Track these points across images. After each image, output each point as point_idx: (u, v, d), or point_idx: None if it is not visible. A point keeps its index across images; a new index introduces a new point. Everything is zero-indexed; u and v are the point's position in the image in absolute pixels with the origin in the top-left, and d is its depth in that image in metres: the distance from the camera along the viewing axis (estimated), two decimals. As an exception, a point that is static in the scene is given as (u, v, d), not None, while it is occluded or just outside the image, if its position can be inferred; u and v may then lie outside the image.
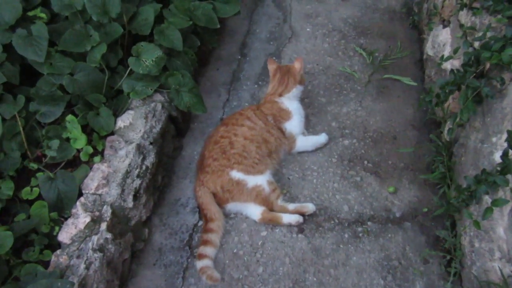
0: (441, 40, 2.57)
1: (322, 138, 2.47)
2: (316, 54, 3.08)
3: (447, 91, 2.14)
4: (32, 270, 1.62)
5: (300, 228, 2.13)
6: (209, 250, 1.98)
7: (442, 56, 2.23)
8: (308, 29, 3.29)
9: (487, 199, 1.72)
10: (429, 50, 2.75)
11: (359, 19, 3.39)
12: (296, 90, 2.47)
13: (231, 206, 2.16)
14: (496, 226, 1.68)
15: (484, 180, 1.68)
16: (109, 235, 1.79)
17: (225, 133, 2.26)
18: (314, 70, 2.96)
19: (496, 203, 1.52)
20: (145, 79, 2.21)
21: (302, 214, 2.15)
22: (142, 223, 2.04)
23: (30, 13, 2.15)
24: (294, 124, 2.42)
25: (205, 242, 1.99)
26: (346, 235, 2.12)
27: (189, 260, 2.03)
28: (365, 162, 2.42)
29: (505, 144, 1.64)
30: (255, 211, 2.13)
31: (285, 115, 2.41)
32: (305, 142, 2.44)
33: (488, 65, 1.88)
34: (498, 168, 1.62)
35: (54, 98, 2.00)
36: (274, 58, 3.05)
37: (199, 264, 1.94)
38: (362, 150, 2.48)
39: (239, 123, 2.29)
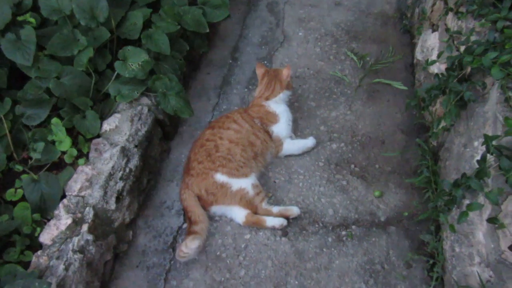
0: (430, 45, 2.58)
1: (309, 142, 2.48)
2: (308, 58, 3.09)
3: (432, 95, 2.15)
4: (11, 271, 1.63)
5: (284, 231, 2.14)
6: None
7: (427, 60, 2.23)
8: (300, 34, 3.31)
9: (467, 203, 1.71)
10: (418, 54, 2.76)
11: (352, 24, 3.40)
12: (283, 95, 2.49)
13: (216, 209, 2.17)
14: (475, 230, 1.67)
15: (463, 184, 1.67)
16: (90, 237, 1.80)
17: (211, 136, 2.27)
18: (304, 74, 2.97)
19: (470, 207, 1.52)
20: (131, 83, 2.24)
21: (286, 218, 2.16)
22: (126, 225, 2.06)
23: (20, 18, 2.18)
24: (281, 127, 2.43)
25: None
26: (330, 239, 2.12)
27: (172, 262, 2.04)
28: (352, 166, 2.43)
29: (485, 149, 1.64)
30: (239, 214, 2.14)
31: (272, 118, 2.43)
32: (292, 145, 2.44)
33: (469, 69, 1.88)
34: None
35: (40, 101, 2.03)
36: (265, 62, 3.07)
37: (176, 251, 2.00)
38: (350, 154, 2.48)
39: (226, 126, 2.31)
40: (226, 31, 3.36)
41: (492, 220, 1.43)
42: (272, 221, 2.12)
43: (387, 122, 2.65)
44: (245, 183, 2.15)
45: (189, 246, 1.93)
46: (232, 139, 2.24)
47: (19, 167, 1.97)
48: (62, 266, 1.67)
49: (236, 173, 2.15)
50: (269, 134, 2.41)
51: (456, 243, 1.80)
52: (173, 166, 2.44)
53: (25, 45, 2.07)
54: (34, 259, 1.71)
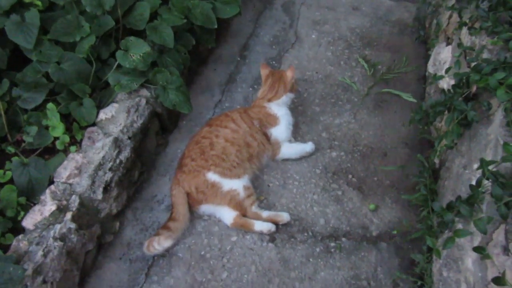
0: (442, 58, 2.49)
1: (308, 146, 2.43)
2: (317, 62, 3.03)
3: (436, 111, 2.07)
4: (-11, 253, 1.63)
5: (271, 237, 2.10)
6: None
7: (435, 75, 2.15)
8: (313, 36, 3.25)
9: (457, 228, 1.65)
10: (430, 67, 2.67)
11: (368, 30, 3.33)
12: (286, 98, 2.44)
13: (205, 208, 2.15)
14: (465, 256, 1.61)
15: (456, 208, 1.61)
16: (73, 225, 1.79)
17: (207, 133, 2.24)
18: (312, 78, 2.91)
19: (458, 234, 1.45)
20: (132, 74, 2.22)
21: (275, 223, 2.12)
22: (112, 216, 2.04)
23: (27, 0, 2.18)
24: (280, 130, 2.38)
25: (158, 235, 1.99)
26: (318, 249, 2.07)
27: (155, 257, 2.01)
28: (350, 176, 2.37)
29: (481, 173, 1.57)
30: (228, 215, 2.11)
31: (272, 120, 2.38)
32: (290, 149, 2.40)
33: (475, 88, 1.80)
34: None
35: (37, 85, 2.03)
36: (274, 63, 3.02)
37: (145, 243, 1.97)
38: (349, 164, 2.43)
39: (223, 124, 2.28)
40: (239, 28, 3.31)
41: (478, 249, 1.37)
42: (261, 226, 2.09)
43: (391, 134, 2.58)
44: (237, 184, 2.12)
45: (161, 244, 1.92)
46: (228, 138, 2.21)
47: (10, 149, 1.97)
48: (40, 253, 1.66)
49: (229, 173, 2.12)
50: (267, 136, 2.36)
51: (445, 267, 1.73)
52: (168, 160, 2.42)
53: (28, 27, 2.07)
54: (14, 242, 1.70)
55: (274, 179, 2.34)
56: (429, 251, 1.98)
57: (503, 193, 1.33)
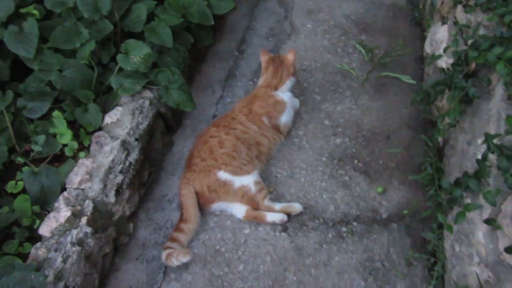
0: (439, 38, 2.51)
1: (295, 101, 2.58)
2: (315, 51, 3.05)
3: (437, 90, 2.09)
4: (10, 262, 1.66)
5: (284, 227, 2.13)
6: (175, 245, 1.99)
7: (433, 54, 2.17)
8: (308, 25, 3.26)
9: (466, 203, 1.67)
10: (427, 47, 2.69)
11: (362, 16, 3.34)
12: (290, 83, 2.45)
13: (217, 206, 2.17)
14: (475, 230, 1.63)
15: (464, 183, 1.64)
16: (89, 229, 1.82)
17: (215, 133, 2.24)
18: (311, 67, 2.93)
19: (468, 207, 1.48)
20: (133, 76, 2.24)
21: (288, 214, 2.15)
22: (126, 218, 2.07)
23: (23, 10, 2.20)
24: (289, 115, 2.45)
25: (173, 239, 2.01)
26: (330, 235, 2.10)
27: (172, 255, 2.05)
28: (356, 161, 2.39)
29: (486, 147, 1.59)
30: (239, 209, 2.14)
31: (281, 107, 2.40)
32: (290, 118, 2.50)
33: (474, 65, 1.82)
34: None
35: (42, 94, 2.05)
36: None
37: (164, 253, 1.95)
38: (354, 149, 2.45)
39: (232, 126, 2.28)
40: (234, 23, 3.33)
41: (489, 221, 1.40)
42: (273, 216, 2.11)
43: (393, 117, 2.61)
44: (247, 180, 2.14)
45: (179, 260, 1.92)
46: (239, 136, 2.23)
47: (20, 159, 1.99)
48: (60, 259, 1.69)
49: (239, 171, 2.14)
50: (278, 127, 2.39)
51: (456, 242, 1.76)
52: (175, 159, 2.45)
53: (27, 37, 2.09)
54: (33, 251, 1.73)
55: (282, 169, 2.37)
56: (439, 228, 2.01)
57: (510, 164, 1.36)
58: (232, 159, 2.15)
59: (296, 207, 2.16)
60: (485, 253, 1.56)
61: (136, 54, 2.21)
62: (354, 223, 2.14)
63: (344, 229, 2.12)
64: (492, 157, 1.54)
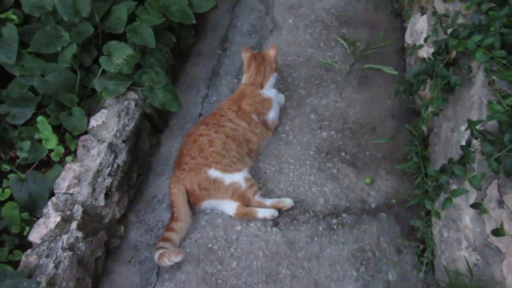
0: (419, 28, 2.55)
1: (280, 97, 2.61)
2: (298, 46, 3.06)
3: (420, 80, 2.13)
4: (1, 270, 1.64)
5: (275, 222, 2.14)
6: (167, 245, 1.99)
7: (414, 45, 2.21)
8: (290, 21, 3.27)
9: (452, 189, 1.71)
10: (408, 38, 2.73)
11: (343, 9, 3.36)
12: (273, 79, 2.46)
13: (207, 204, 2.18)
14: (462, 215, 1.67)
15: (449, 170, 1.67)
16: (79, 234, 1.81)
17: (204, 131, 2.24)
18: (294, 62, 2.94)
19: (454, 193, 1.52)
20: (117, 78, 2.22)
21: (279, 210, 2.16)
22: (116, 220, 2.06)
23: (2, 16, 2.16)
24: (275, 111, 2.47)
25: (165, 239, 2.01)
26: (321, 228, 2.12)
27: (164, 256, 2.04)
28: (343, 153, 2.42)
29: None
30: (230, 206, 2.14)
31: (268, 104, 2.41)
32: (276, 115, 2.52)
33: (454, 53, 1.85)
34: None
35: (25, 100, 2.03)
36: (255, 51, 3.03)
37: (157, 253, 1.95)
38: (340, 142, 2.48)
39: (221, 123, 2.28)
40: (216, 21, 3.32)
41: (475, 205, 1.43)
42: (264, 212, 2.13)
43: (378, 108, 2.64)
44: (238, 177, 2.15)
45: (171, 260, 1.91)
46: (228, 134, 2.23)
47: (6, 167, 1.97)
48: (51, 264, 1.68)
49: (230, 168, 2.14)
50: (266, 124, 2.40)
51: (444, 228, 1.80)
52: (163, 159, 2.44)
53: (7, 43, 2.06)
54: (23, 258, 1.72)
55: (270, 165, 2.38)
56: (427, 215, 2.05)
57: (493, 149, 1.39)
58: (222, 157, 2.16)
59: (287, 202, 2.18)
60: (472, 237, 1.60)
61: (119, 55, 2.19)
62: (344, 215, 2.16)
63: (334, 221, 2.14)
64: (476, 142, 1.57)
